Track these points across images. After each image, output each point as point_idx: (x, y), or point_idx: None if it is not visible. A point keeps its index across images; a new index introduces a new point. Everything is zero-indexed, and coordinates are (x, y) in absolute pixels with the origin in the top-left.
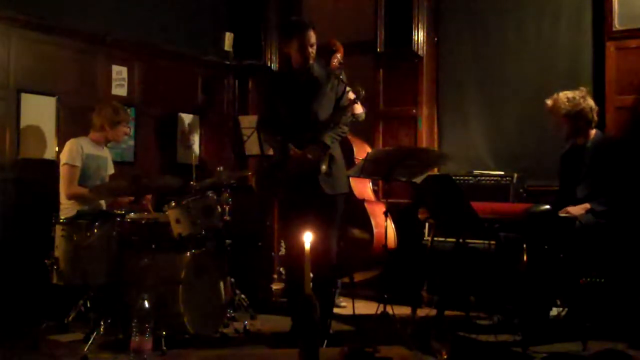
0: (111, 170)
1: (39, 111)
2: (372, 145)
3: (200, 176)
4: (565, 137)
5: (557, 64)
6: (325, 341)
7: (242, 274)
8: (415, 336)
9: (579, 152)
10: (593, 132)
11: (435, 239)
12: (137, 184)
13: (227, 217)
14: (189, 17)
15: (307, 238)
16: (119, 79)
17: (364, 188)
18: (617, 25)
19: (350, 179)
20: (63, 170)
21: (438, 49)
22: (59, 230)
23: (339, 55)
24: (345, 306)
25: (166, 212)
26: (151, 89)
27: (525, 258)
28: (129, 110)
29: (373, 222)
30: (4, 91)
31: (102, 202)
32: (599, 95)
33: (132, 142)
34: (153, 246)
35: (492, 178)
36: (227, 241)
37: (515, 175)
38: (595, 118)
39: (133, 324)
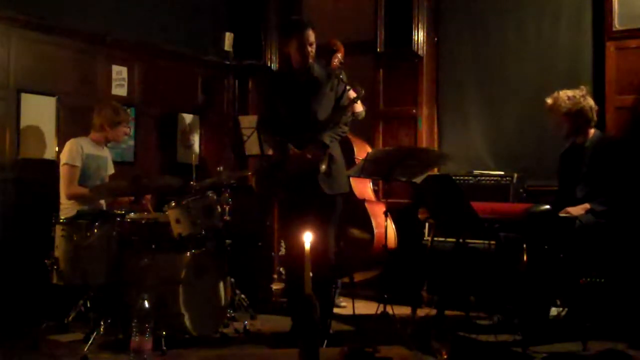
0: (111, 170)
1: (39, 111)
2: (372, 145)
3: (200, 176)
4: (565, 136)
5: (557, 64)
6: (325, 341)
7: (242, 274)
8: (415, 336)
9: (578, 151)
10: (592, 131)
11: (435, 239)
12: (137, 184)
13: (227, 217)
14: (189, 17)
15: (307, 238)
16: (119, 79)
17: (364, 188)
18: (617, 25)
19: (351, 178)
20: (63, 170)
21: (438, 49)
22: (59, 230)
23: (339, 55)
24: (345, 306)
25: (166, 212)
26: (151, 89)
27: (525, 258)
28: (129, 110)
29: (373, 222)
30: (4, 91)
31: (102, 202)
32: (599, 95)
33: (132, 142)
34: (153, 246)
35: (492, 178)
36: (227, 241)
37: (515, 175)
38: (595, 117)
39: (133, 324)
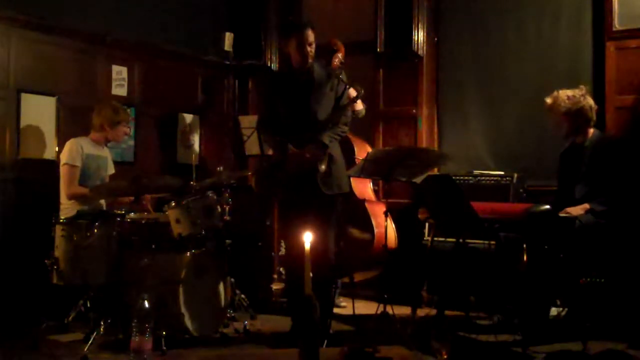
0: (111, 170)
1: (39, 111)
2: (372, 145)
3: (200, 176)
4: (565, 136)
5: (557, 64)
6: (325, 341)
7: (242, 274)
8: (415, 336)
9: (578, 151)
10: (591, 131)
11: (435, 239)
12: (137, 184)
13: (227, 217)
14: (189, 17)
15: (307, 238)
16: (119, 79)
17: (364, 188)
18: (617, 25)
19: (351, 178)
20: (63, 170)
21: (438, 49)
22: (59, 230)
23: (340, 55)
24: (345, 306)
25: (166, 212)
26: (151, 89)
27: (525, 258)
28: (129, 110)
29: (374, 222)
30: (4, 91)
31: (102, 202)
32: (599, 95)
33: (132, 142)
34: (153, 246)
35: (492, 178)
36: (227, 241)
37: (515, 175)
38: (594, 117)
39: (133, 324)
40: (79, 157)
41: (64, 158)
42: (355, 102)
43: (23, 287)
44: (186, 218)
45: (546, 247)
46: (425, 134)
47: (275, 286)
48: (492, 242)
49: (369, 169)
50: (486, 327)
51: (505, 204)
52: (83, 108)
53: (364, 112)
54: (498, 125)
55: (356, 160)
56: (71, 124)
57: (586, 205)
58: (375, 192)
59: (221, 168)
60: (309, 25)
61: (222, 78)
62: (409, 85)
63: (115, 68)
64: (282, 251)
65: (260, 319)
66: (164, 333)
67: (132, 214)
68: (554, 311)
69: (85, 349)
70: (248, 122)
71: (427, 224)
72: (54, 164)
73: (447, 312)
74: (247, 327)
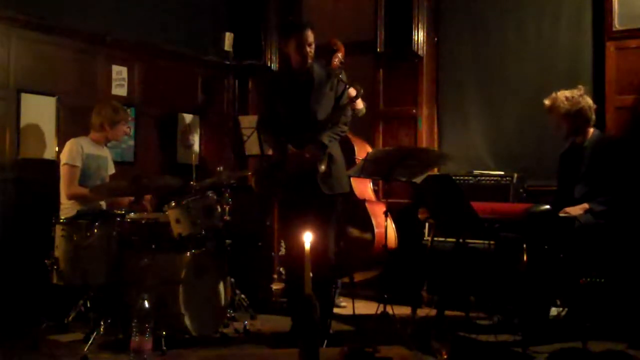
0: (111, 170)
1: (39, 111)
2: (372, 145)
3: (200, 176)
4: (565, 136)
5: (557, 64)
6: (325, 341)
7: (242, 274)
8: (415, 336)
9: (578, 151)
10: (591, 130)
11: (435, 239)
12: (137, 184)
13: (227, 217)
14: (189, 17)
15: (307, 238)
16: (119, 79)
17: (364, 188)
18: (617, 25)
19: (351, 178)
20: (63, 170)
21: (438, 49)
22: (59, 230)
23: (340, 55)
24: (345, 306)
25: (166, 212)
26: (151, 89)
27: (525, 258)
28: (129, 110)
29: (374, 222)
30: (4, 91)
31: (102, 202)
32: (599, 95)
33: (132, 142)
34: (153, 246)
35: (492, 178)
36: (227, 241)
37: (515, 175)
38: (593, 117)
39: (133, 324)
40: (79, 157)
41: (64, 158)
42: (355, 101)
43: (23, 287)
44: (186, 218)
45: (546, 247)
46: (425, 134)
47: (275, 286)
48: (492, 242)
49: (369, 169)
50: (486, 327)
51: (505, 204)
52: (83, 108)
53: (364, 110)
54: (498, 125)
55: (356, 160)
56: (71, 124)
57: (585, 205)
58: (375, 192)
59: (221, 168)
60: (308, 25)
61: (222, 78)
62: (409, 85)
63: (115, 68)
64: (282, 251)
65: (260, 319)
66: (164, 333)
67: (132, 214)
68: (554, 311)
69: (85, 349)
70: (248, 122)
71: (427, 224)
72: (54, 164)
73: (447, 312)
74: (247, 327)
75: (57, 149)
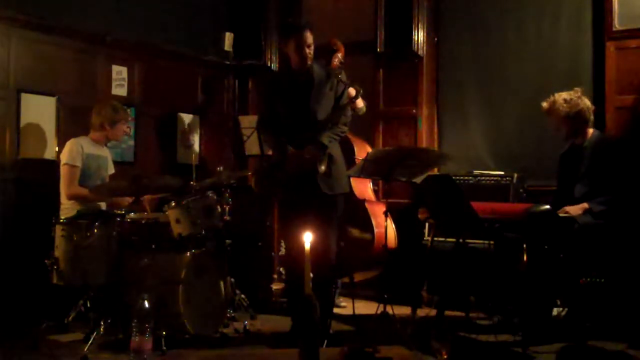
0: (111, 170)
1: (39, 111)
2: (372, 145)
3: (200, 176)
4: (565, 138)
5: (557, 64)
6: (325, 341)
7: (242, 274)
8: (415, 336)
9: (577, 151)
10: (590, 131)
11: (435, 239)
12: (137, 184)
13: (227, 217)
14: (189, 17)
15: (307, 238)
16: (119, 79)
17: (364, 188)
18: (617, 25)
19: (351, 178)
20: (63, 170)
21: (438, 49)
22: (59, 230)
23: (339, 55)
24: (345, 306)
25: (166, 212)
26: (151, 89)
27: (525, 258)
28: (128, 110)
29: (374, 222)
30: (4, 91)
31: (102, 202)
32: (599, 95)
33: (132, 142)
34: (153, 246)
35: (492, 178)
36: (227, 241)
37: (515, 175)
38: (592, 117)
39: (133, 324)
40: (79, 157)
41: (64, 158)
42: (354, 102)
43: (23, 287)
44: (186, 218)
45: (546, 247)
46: (425, 134)
47: (275, 286)
48: (492, 242)
49: (369, 169)
50: (486, 327)
51: (505, 204)
52: (83, 108)
53: (364, 109)
54: (498, 125)
55: (356, 160)
56: (71, 124)
57: (585, 205)
58: (375, 192)
59: (221, 168)
60: (307, 27)
61: (222, 78)
62: (409, 85)
63: (115, 68)
64: (282, 251)
65: (260, 319)
66: (164, 333)
67: (132, 214)
68: (554, 311)
69: (85, 349)
70: (248, 122)
71: (427, 224)
72: (54, 164)
73: (447, 312)
74: (247, 327)
75: (57, 149)
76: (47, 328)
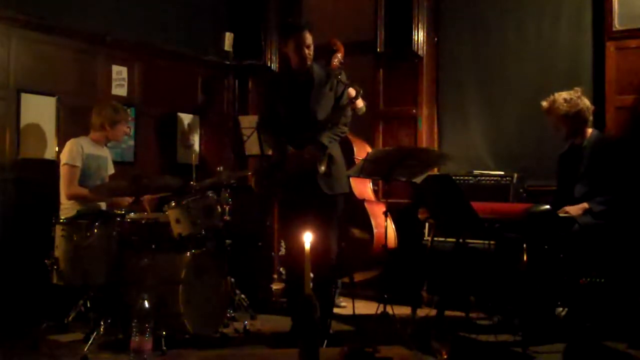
0: (111, 170)
1: (39, 111)
2: (372, 145)
3: (200, 176)
4: (564, 138)
5: (557, 64)
6: (325, 341)
7: (242, 274)
8: (415, 336)
9: (577, 151)
10: (589, 131)
11: (435, 239)
12: (137, 184)
13: (227, 217)
14: (189, 17)
15: (307, 238)
16: (119, 79)
17: (364, 188)
18: (617, 25)
19: (351, 179)
20: (63, 170)
21: (438, 49)
22: (59, 230)
23: (339, 55)
24: (345, 306)
25: (166, 212)
26: (151, 89)
27: (525, 258)
28: (129, 110)
29: (373, 222)
30: (4, 91)
31: (102, 202)
32: (599, 95)
33: (132, 142)
34: (153, 246)
35: (492, 178)
36: (227, 241)
37: (515, 175)
38: (591, 117)
39: (133, 324)
40: (79, 157)
41: (64, 158)
42: (354, 102)
43: (23, 287)
44: (186, 218)
45: (546, 247)
46: (425, 134)
47: (275, 286)
48: (492, 242)
49: (369, 169)
50: (486, 327)
51: (505, 204)
52: (83, 108)
53: (364, 109)
54: (498, 125)
55: (356, 160)
56: (71, 124)
57: (585, 205)
58: (375, 192)
59: (221, 168)
60: (306, 27)
61: (222, 78)
62: (409, 85)
63: (115, 68)
64: (282, 251)
65: (260, 319)
66: (164, 333)
67: (132, 214)
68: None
69: (85, 349)
70: (248, 122)
71: (427, 224)
72: (54, 164)
73: (447, 312)
74: (247, 327)
75: (57, 149)
76: (47, 328)
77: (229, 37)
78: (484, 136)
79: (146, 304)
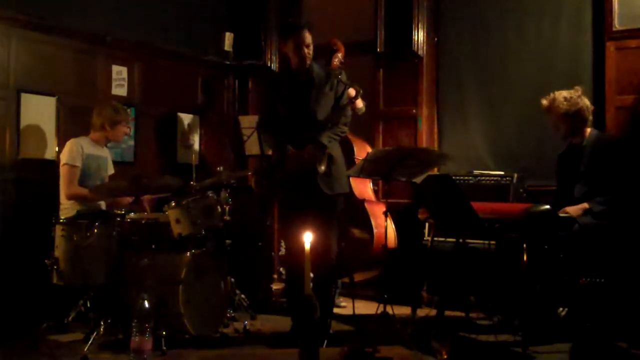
0: (111, 170)
1: (39, 111)
2: (372, 145)
3: (200, 176)
4: (563, 137)
5: (557, 64)
6: (325, 341)
7: (242, 274)
8: (415, 336)
9: (576, 151)
10: (589, 130)
11: (435, 239)
12: (137, 184)
13: (227, 217)
14: (189, 17)
15: (307, 238)
16: (119, 79)
17: (364, 188)
18: (617, 25)
19: (351, 178)
20: (63, 170)
21: (438, 49)
22: (59, 230)
23: (340, 55)
24: (345, 306)
25: (166, 212)
26: (151, 89)
27: (525, 258)
28: (129, 110)
29: (373, 222)
30: (4, 91)
31: (102, 202)
32: (599, 95)
33: (132, 142)
34: (153, 246)
35: (492, 178)
36: (227, 241)
37: (515, 175)
38: (591, 117)
39: (133, 324)
40: (79, 157)
41: (64, 158)
42: (354, 102)
43: (23, 287)
44: (186, 218)
45: (546, 247)
46: (425, 134)
47: (275, 286)
48: (492, 242)
49: (369, 169)
50: (486, 327)
51: (505, 204)
52: (83, 108)
53: (364, 109)
54: (498, 125)
55: (356, 160)
56: (71, 124)
57: (585, 205)
58: (375, 192)
59: (221, 168)
60: (305, 26)
61: (222, 78)
62: (409, 85)
63: (115, 68)
64: (282, 251)
65: (260, 319)
66: (164, 333)
67: (132, 214)
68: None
69: (85, 349)
70: (248, 122)
71: (427, 224)
72: (54, 164)
73: (447, 312)
74: (247, 327)
75: (57, 149)
76: (47, 328)
77: (229, 37)
78: (484, 136)
79: (146, 304)
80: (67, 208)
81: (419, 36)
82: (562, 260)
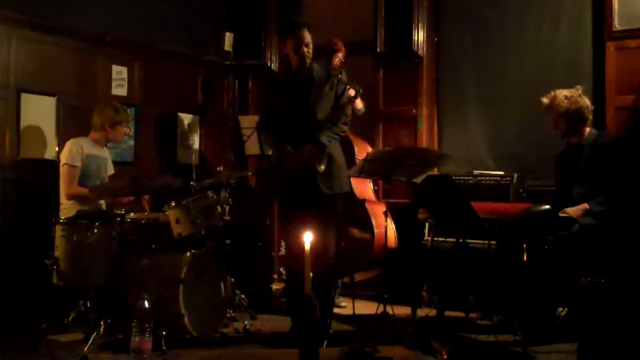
0: (111, 170)
1: (39, 111)
2: (372, 145)
3: (200, 176)
4: (562, 136)
5: (557, 64)
6: (325, 341)
7: (242, 274)
8: (415, 336)
9: (575, 151)
10: (588, 130)
11: (435, 239)
12: (137, 184)
13: (227, 217)
14: (189, 17)
15: (307, 238)
16: (119, 79)
17: (364, 188)
18: (617, 25)
19: (351, 178)
20: (63, 171)
21: (438, 49)
22: (59, 230)
23: (340, 55)
24: (345, 306)
25: (166, 212)
26: (151, 89)
27: (525, 258)
28: (129, 110)
29: (374, 222)
30: (4, 91)
31: (102, 202)
32: (599, 95)
33: (132, 142)
34: (153, 246)
35: (492, 178)
36: (227, 241)
37: (515, 175)
38: (590, 117)
39: (133, 324)
40: (79, 157)
41: (64, 158)
42: (354, 101)
43: (23, 287)
44: (186, 218)
45: (546, 247)
46: (425, 134)
47: (275, 286)
48: (492, 242)
49: (369, 169)
50: (486, 327)
51: (505, 204)
52: (83, 108)
53: (363, 109)
54: (498, 125)
55: (356, 160)
56: (71, 124)
57: (585, 206)
58: (375, 192)
59: (221, 168)
60: (304, 26)
61: (222, 78)
62: (409, 85)
63: (115, 68)
64: (282, 251)
65: (260, 319)
66: (164, 333)
67: (132, 214)
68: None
69: (85, 349)
70: (248, 122)
71: (427, 224)
72: (54, 164)
73: (447, 312)
74: (247, 327)
75: (57, 149)
76: (47, 328)
77: (229, 37)
78: (484, 136)
79: (146, 304)
80: (67, 208)
81: (419, 36)
82: (562, 261)
